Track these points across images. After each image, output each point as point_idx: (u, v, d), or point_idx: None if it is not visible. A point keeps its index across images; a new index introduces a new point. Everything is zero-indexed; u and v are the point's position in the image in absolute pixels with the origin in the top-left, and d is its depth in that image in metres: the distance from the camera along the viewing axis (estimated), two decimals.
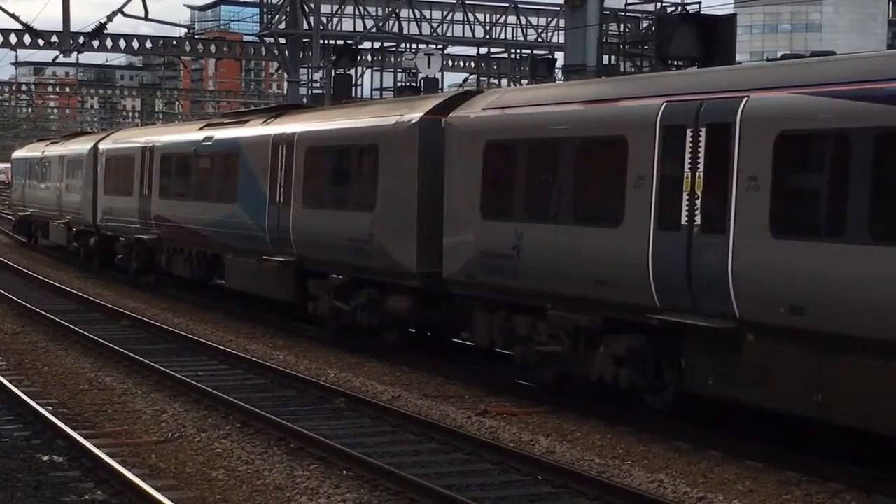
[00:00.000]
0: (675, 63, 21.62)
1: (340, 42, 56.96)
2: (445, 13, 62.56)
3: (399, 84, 54.58)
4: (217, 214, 29.80)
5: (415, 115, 22.18)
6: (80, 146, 44.02)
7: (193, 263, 32.39)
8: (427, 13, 62.04)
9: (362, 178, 23.57)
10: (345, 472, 14.68)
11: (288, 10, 56.84)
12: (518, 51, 65.52)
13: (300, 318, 26.80)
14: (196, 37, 72.81)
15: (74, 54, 60.72)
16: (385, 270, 22.53)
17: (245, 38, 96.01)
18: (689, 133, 15.82)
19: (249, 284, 28.60)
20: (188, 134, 33.81)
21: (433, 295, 21.57)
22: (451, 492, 13.43)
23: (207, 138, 31.33)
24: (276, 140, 26.90)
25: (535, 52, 62.91)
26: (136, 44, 61.70)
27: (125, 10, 48.48)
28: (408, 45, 59.22)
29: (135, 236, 36.04)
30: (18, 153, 58.60)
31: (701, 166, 15.68)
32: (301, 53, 57.67)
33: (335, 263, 24.39)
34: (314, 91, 54.32)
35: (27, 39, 57.67)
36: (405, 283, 22.10)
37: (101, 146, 40.91)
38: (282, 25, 57.55)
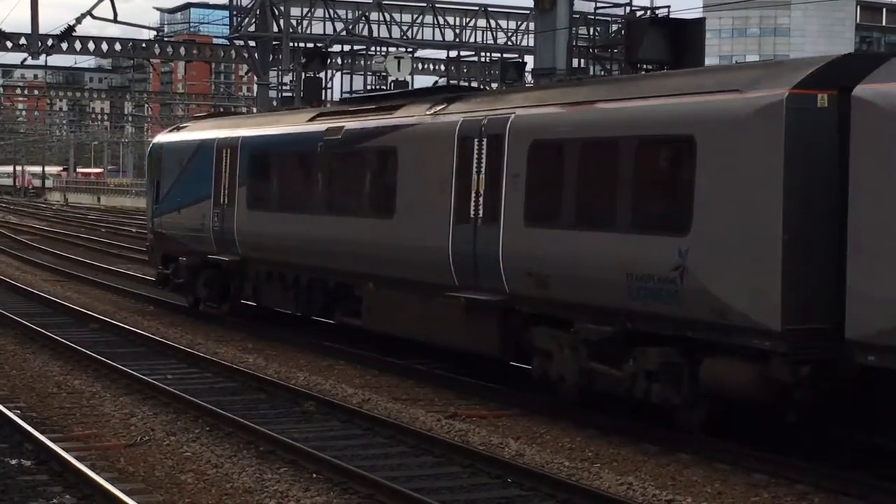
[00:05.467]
0: (644, 67, 21.69)
1: (310, 45, 56.83)
2: (415, 16, 62.55)
3: (368, 87, 54.52)
4: (352, 232, 22.75)
5: (776, 92, 14.89)
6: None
7: (302, 294, 25.04)
8: (397, 16, 62.03)
9: (660, 185, 16.55)
10: (314, 475, 14.69)
11: (258, 12, 56.74)
12: (488, 54, 65.54)
13: (513, 378, 20.46)
14: (165, 39, 72.54)
15: (43, 56, 60.40)
16: (706, 323, 15.47)
17: (215, 40, 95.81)
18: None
19: (411, 328, 21.43)
20: (294, 126, 26.11)
21: (804, 361, 14.66)
22: (421, 494, 13.44)
23: (333, 130, 23.77)
24: (468, 131, 19.75)
25: (504, 55, 62.90)
26: (105, 46, 61.47)
27: (94, 12, 48.36)
28: (378, 49, 59.21)
29: (206, 256, 28.39)
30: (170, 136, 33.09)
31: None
32: (271, 56, 57.55)
33: (589, 308, 17.20)
34: (284, 94, 54.25)
35: None
36: (750, 343, 14.96)
37: (160, 139, 32.99)
38: (251, 28, 57.42)
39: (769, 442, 15.58)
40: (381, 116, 22.73)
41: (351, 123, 23.50)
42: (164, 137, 32.55)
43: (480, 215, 19.26)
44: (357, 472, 14.29)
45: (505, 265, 18.69)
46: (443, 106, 21.10)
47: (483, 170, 19.26)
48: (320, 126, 24.42)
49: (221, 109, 39.01)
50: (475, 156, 19.50)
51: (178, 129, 32.51)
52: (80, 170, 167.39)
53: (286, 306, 26.21)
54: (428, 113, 21.28)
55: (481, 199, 19.26)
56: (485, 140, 19.32)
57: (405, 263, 21.18)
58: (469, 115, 20.02)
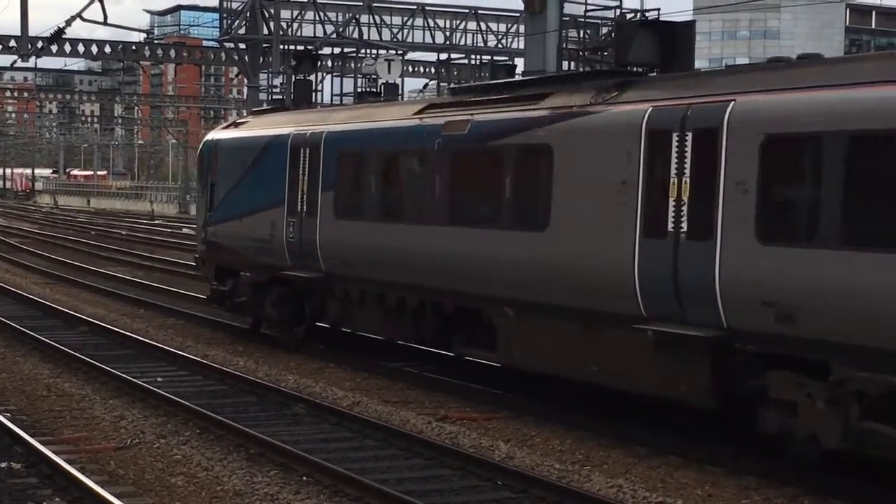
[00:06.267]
0: (634, 69, 21.71)
1: (300, 47, 56.78)
2: (406, 19, 62.63)
3: (359, 89, 54.55)
4: (485, 247, 18.80)
5: None
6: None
7: (408, 319, 21.13)
8: (387, 19, 62.11)
9: None
10: (304, 477, 14.67)
11: (248, 15, 56.76)
12: (478, 57, 65.58)
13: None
14: (155, 42, 72.54)
15: (33, 59, 60.39)
16: None
17: (205, 43, 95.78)
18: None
19: (570, 366, 17.47)
20: (397, 119, 21.88)
21: None
22: (412, 497, 13.43)
23: (455, 125, 19.89)
24: (661, 123, 15.88)
25: (495, 57, 62.92)
26: (95, 48, 61.51)
27: (84, 14, 48.27)
28: (368, 51, 59.23)
29: (277, 272, 24.49)
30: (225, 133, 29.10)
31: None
32: (261, 59, 57.61)
33: (862, 350, 13.37)
34: (274, 96, 54.24)
35: None
36: None
37: (214, 136, 28.79)
38: (242, 31, 57.47)
39: (760, 445, 15.59)
40: (525, 107, 18.62)
41: (480, 116, 19.45)
42: (219, 134, 28.51)
43: (683, 229, 15.31)
44: (347, 475, 14.28)
45: (724, 292, 14.77)
46: (614, 93, 17.15)
47: (687, 172, 15.36)
48: (435, 119, 20.46)
49: (288, 102, 29.73)
50: (674, 154, 15.57)
51: (237, 124, 28.44)
52: (77, 172, 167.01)
53: (384, 332, 22.37)
54: (595, 101, 17.26)
55: (684, 208, 15.35)
56: (689, 134, 15.40)
57: (563, 286, 17.22)
58: (662, 102, 16.05)
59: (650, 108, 16.11)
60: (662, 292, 15.57)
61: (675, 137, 15.59)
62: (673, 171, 15.55)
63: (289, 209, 24.04)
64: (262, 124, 26.64)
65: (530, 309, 18.03)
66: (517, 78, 22.28)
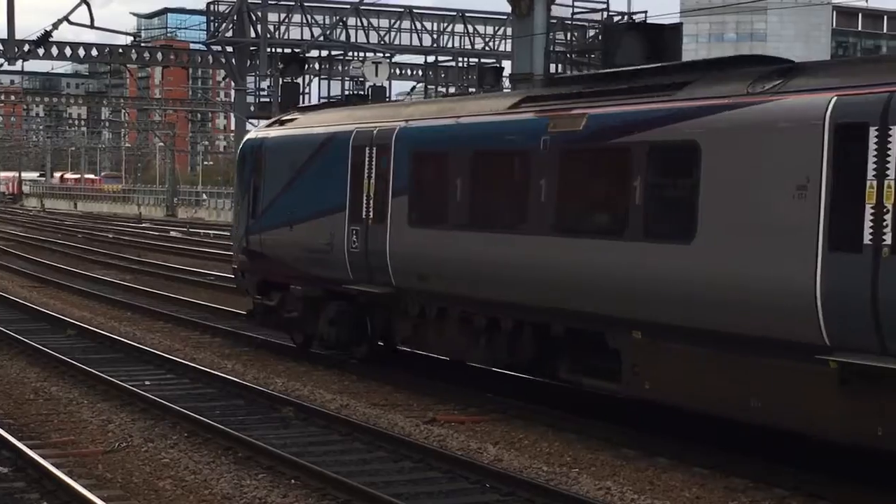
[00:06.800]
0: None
1: (288, 50, 56.83)
2: (393, 21, 62.64)
3: (346, 92, 54.55)
4: (607, 260, 16.30)
5: None
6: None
7: (501, 341, 18.65)
8: (374, 21, 62.11)
9: None
10: (293, 480, 14.66)
11: (235, 18, 56.73)
12: (465, 59, 65.68)
13: None
14: (142, 45, 72.48)
15: (19, 62, 60.32)
16: None
17: (192, 46, 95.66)
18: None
19: (720, 400, 14.98)
20: (488, 114, 19.32)
21: None
22: (400, 500, 13.43)
23: (567, 120, 17.33)
24: (851, 115, 13.50)
25: (482, 60, 63.10)
26: (82, 51, 61.44)
27: (71, 17, 48.27)
28: (355, 54, 59.28)
29: (335, 286, 22.19)
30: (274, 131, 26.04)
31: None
32: (248, 62, 57.59)
33: None
34: (262, 100, 54.28)
35: None
36: None
37: (258, 135, 26.05)
38: (229, 34, 57.43)
39: (748, 446, 15.62)
40: (659, 98, 16.12)
41: (599, 109, 16.96)
42: (265, 132, 25.77)
43: (886, 241, 12.96)
44: (335, 478, 14.27)
45: None
46: (777, 82, 14.75)
47: (892, 173, 13.02)
48: (538, 114, 17.99)
49: (347, 95, 27.74)
50: (872, 152, 13.19)
51: (282, 121, 25.49)
52: (69, 175, 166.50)
53: (469, 356, 19.91)
54: (753, 91, 14.87)
55: (888, 216, 12.97)
56: (893, 128, 13.06)
57: (713, 307, 14.75)
58: (850, 91, 13.68)
59: (834, 98, 13.68)
60: (854, 317, 13.15)
61: (873, 132, 13.18)
62: (871, 172, 13.15)
63: (351, 215, 21.59)
64: (315, 121, 24.07)
65: (667, 332, 15.43)
66: (636, 67, 18.88)
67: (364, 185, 21.32)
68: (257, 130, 26.66)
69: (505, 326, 18.40)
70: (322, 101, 50.17)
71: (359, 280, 21.29)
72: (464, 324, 19.24)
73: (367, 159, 21.35)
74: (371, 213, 21.11)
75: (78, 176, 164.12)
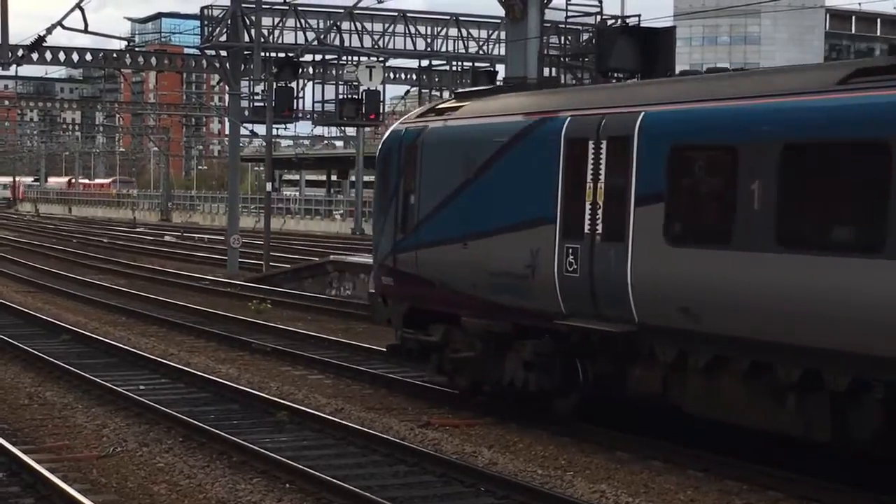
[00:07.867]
0: (616, 75, 21.74)
1: (282, 55, 56.81)
2: (387, 25, 62.59)
3: (340, 96, 54.57)
4: None
5: None
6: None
7: (822, 408, 13.82)
8: (368, 25, 62.04)
9: None
10: (288, 485, 14.67)
11: (229, 22, 56.70)
12: (459, 63, 65.68)
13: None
14: (136, 49, 72.42)
15: (13, 67, 60.23)
16: None
17: (186, 50, 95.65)
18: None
19: None
20: (799, 95, 14.12)
21: None
22: None
23: None
24: None
25: (476, 64, 63.09)
26: (76, 56, 61.28)
27: (65, 22, 48.22)
28: (349, 58, 59.26)
29: (536, 320, 17.44)
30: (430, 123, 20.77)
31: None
32: (242, 66, 57.50)
33: None
34: (256, 104, 54.25)
35: None
36: None
37: (410, 127, 20.65)
38: (223, 38, 57.37)
39: (742, 449, 15.63)
40: None
41: None
42: (418, 123, 20.53)
43: None
44: (330, 482, 14.27)
45: None
46: None
47: None
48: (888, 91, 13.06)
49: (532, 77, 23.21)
50: None
51: (440, 110, 20.50)
52: (85, 180, 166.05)
53: (762, 421, 14.70)
54: None
55: None
56: None
57: None
58: None
59: None
60: None
61: None
62: None
63: (564, 230, 16.80)
64: (492, 108, 19.23)
65: None
66: None
67: (586, 189, 16.53)
68: (404, 122, 21.17)
69: (835, 386, 13.54)
70: (319, 102, 50.21)
71: (575, 313, 16.62)
72: (756, 378, 14.54)
73: (590, 156, 16.52)
74: (598, 227, 16.29)
75: (88, 181, 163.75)
